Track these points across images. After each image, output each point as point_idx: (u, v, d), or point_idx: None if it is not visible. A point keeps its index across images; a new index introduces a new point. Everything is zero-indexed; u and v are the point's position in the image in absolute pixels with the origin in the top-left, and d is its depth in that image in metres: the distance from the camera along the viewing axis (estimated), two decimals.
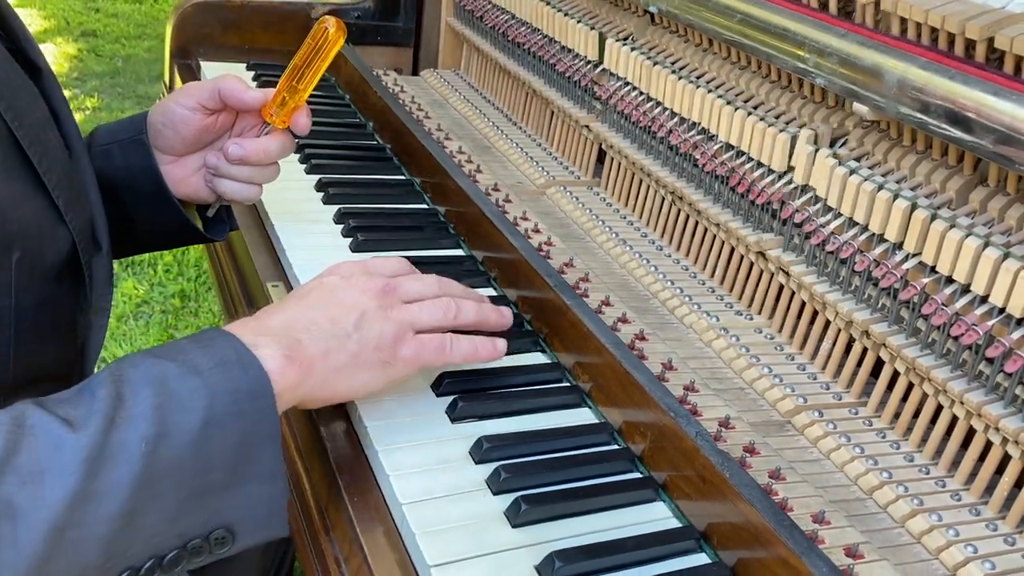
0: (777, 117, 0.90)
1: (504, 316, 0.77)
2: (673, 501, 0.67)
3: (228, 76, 0.85)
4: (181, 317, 2.42)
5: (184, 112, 0.85)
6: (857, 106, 0.75)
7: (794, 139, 0.85)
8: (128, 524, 0.51)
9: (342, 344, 0.64)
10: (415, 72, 1.69)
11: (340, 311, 0.66)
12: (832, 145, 0.84)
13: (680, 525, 0.65)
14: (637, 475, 0.69)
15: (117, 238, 0.80)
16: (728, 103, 0.93)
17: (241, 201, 0.89)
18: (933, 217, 0.71)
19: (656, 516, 0.66)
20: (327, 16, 0.83)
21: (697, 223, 1.00)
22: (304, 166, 1.14)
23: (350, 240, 0.97)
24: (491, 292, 0.92)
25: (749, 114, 0.91)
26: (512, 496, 0.64)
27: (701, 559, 0.62)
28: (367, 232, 0.98)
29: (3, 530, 0.46)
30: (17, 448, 0.48)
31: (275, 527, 0.59)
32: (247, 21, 1.50)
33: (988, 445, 0.69)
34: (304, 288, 0.69)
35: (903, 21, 0.73)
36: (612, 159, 1.15)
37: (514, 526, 0.62)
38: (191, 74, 1.45)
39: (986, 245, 0.67)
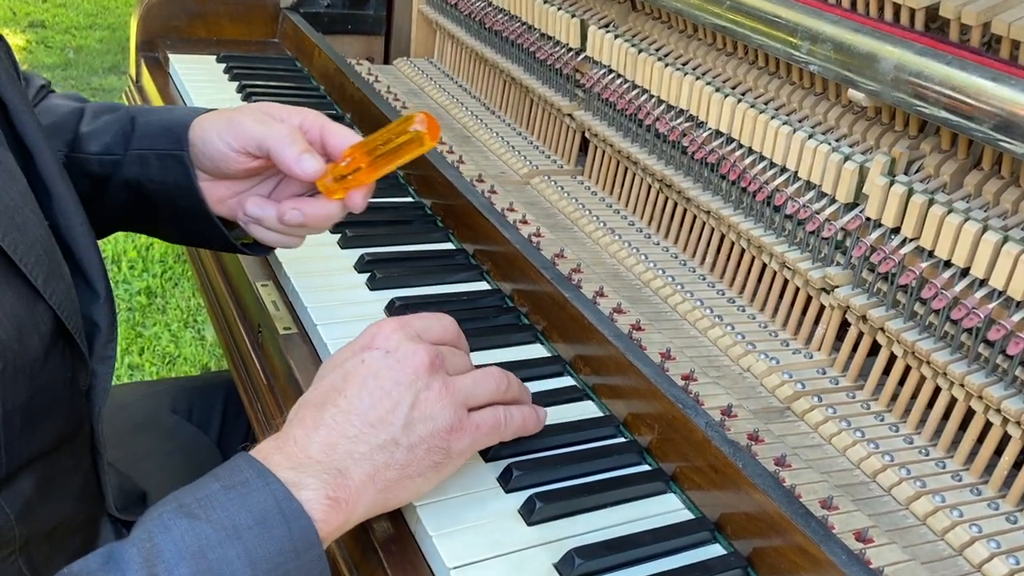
0: (767, 104, 0.90)
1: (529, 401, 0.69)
2: (684, 492, 0.67)
3: (281, 133, 0.73)
4: (148, 315, 2.37)
5: (227, 152, 0.75)
6: (853, 92, 0.76)
7: (790, 128, 0.86)
8: None
9: (391, 457, 0.56)
10: (387, 61, 1.66)
11: (386, 408, 0.57)
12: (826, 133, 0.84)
13: (693, 516, 0.65)
14: (646, 467, 0.69)
15: (150, 233, 0.78)
16: (717, 90, 0.93)
17: (280, 247, 0.81)
18: (931, 202, 0.72)
19: (668, 508, 0.66)
20: (422, 116, 0.70)
21: (686, 211, 1.00)
22: None
23: (339, 236, 0.95)
24: (485, 286, 0.91)
25: (739, 101, 0.91)
26: (525, 494, 0.63)
27: (716, 550, 0.63)
28: (354, 228, 0.96)
29: None
30: None
31: None
32: (214, 12, 1.46)
33: (987, 426, 0.71)
34: (342, 372, 0.59)
35: (896, 7, 0.74)
36: (596, 147, 1.14)
37: (529, 524, 0.62)
38: (159, 67, 1.41)
39: (985, 229, 0.68)
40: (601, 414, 0.74)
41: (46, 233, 0.63)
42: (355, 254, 0.92)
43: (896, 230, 0.75)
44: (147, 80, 1.39)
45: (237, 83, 1.33)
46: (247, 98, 1.28)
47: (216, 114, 0.78)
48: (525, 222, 1.05)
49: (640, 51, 1.04)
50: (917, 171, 0.76)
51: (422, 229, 1.00)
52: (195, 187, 0.77)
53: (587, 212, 1.08)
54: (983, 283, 0.69)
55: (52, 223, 0.65)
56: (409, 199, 1.08)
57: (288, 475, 0.53)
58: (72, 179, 0.70)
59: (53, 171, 0.67)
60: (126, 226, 0.86)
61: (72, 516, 0.67)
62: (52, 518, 0.64)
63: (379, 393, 0.57)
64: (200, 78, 1.34)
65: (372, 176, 0.73)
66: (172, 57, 1.39)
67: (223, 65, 1.39)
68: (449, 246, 0.98)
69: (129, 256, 2.57)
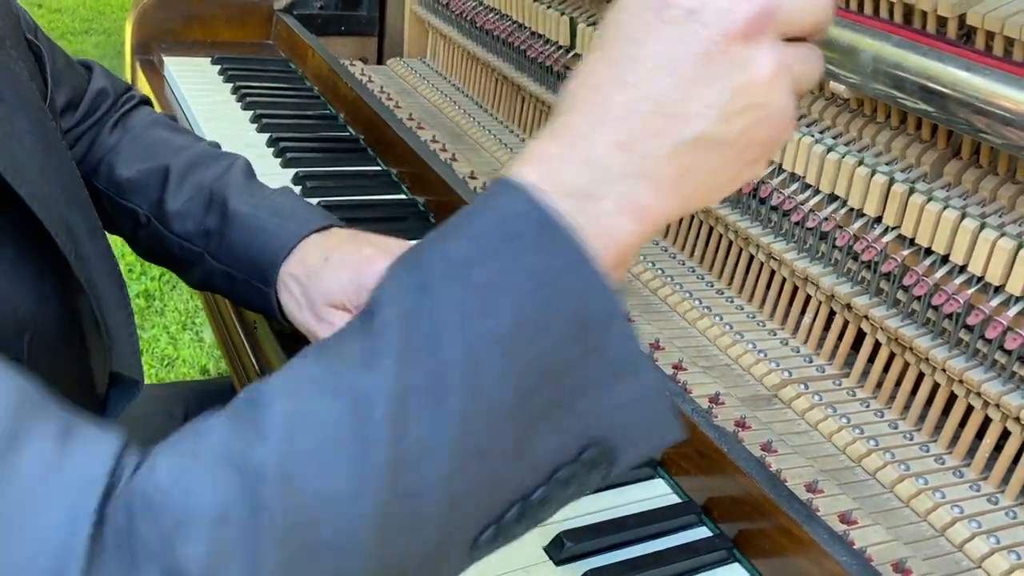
0: None
1: None
2: (672, 477, 0.68)
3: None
4: (147, 317, 2.38)
5: (324, 308, 0.71)
6: (834, 85, 0.77)
7: None
8: (469, 480, 0.37)
9: (699, 158, 0.40)
10: (380, 61, 1.68)
11: (693, 91, 0.39)
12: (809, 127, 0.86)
13: (680, 500, 0.67)
14: None
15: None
16: None
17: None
18: (911, 191, 0.73)
19: (656, 493, 0.67)
20: None
21: None
22: (279, 160, 1.13)
23: None
24: None
25: None
26: None
27: (703, 532, 0.64)
28: (349, 224, 0.97)
29: (322, 534, 0.35)
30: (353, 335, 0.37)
31: (663, 431, 0.40)
32: (210, 15, 1.48)
33: (969, 410, 0.72)
34: (633, 44, 0.40)
35: (876, 1, 0.75)
36: None
37: None
38: (154, 70, 1.43)
39: (963, 217, 0.70)
40: None
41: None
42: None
43: (878, 219, 0.77)
44: (142, 83, 1.41)
45: (232, 85, 1.34)
46: (241, 99, 1.30)
47: (310, 271, 0.72)
48: None
49: None
50: (898, 161, 0.78)
51: (415, 226, 1.02)
52: (273, 311, 0.74)
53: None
54: (962, 269, 0.70)
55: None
56: (402, 196, 1.09)
57: (579, 183, 0.39)
58: (146, 235, 0.70)
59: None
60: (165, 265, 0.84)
61: None
62: None
63: (681, 75, 0.40)
64: (195, 80, 1.35)
65: None
66: (167, 60, 1.40)
67: (218, 67, 1.40)
68: None
69: (127, 260, 2.59)
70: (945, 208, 0.71)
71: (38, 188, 0.57)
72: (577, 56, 1.14)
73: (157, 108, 1.28)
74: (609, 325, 0.38)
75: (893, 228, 0.75)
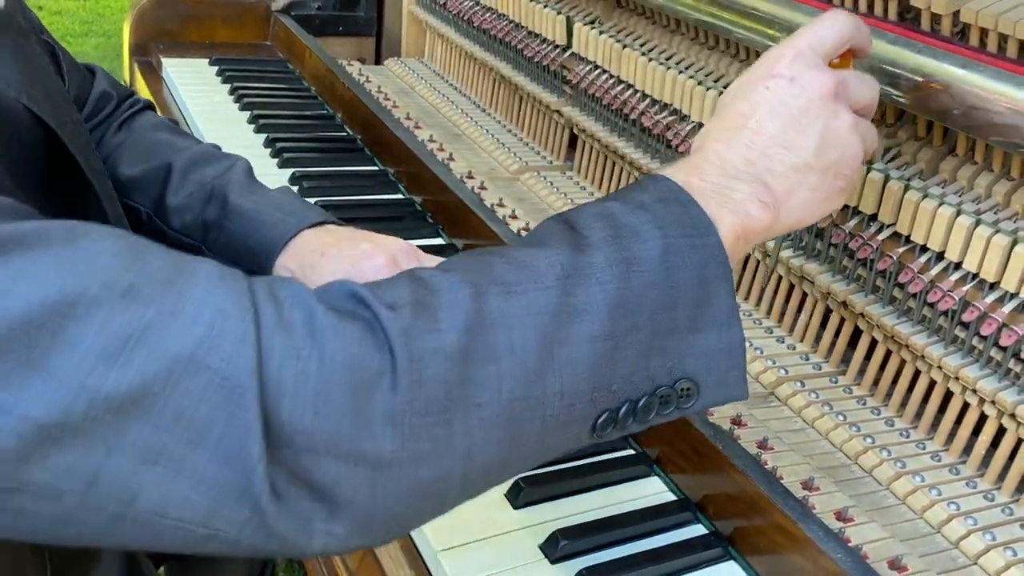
0: None
1: None
2: (667, 475, 0.68)
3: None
4: None
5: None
6: None
7: None
8: (610, 352, 0.47)
9: (804, 179, 0.56)
10: (378, 62, 1.68)
11: (797, 132, 0.56)
12: None
13: (675, 498, 0.67)
14: (630, 452, 0.71)
15: None
16: (699, 83, 0.95)
17: None
18: (906, 188, 0.73)
19: (652, 491, 0.67)
20: None
21: None
22: (276, 160, 1.13)
23: None
24: None
25: (720, 93, 0.92)
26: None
27: (698, 530, 0.64)
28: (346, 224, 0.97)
29: (497, 338, 0.45)
30: (491, 264, 0.47)
31: (734, 386, 0.52)
32: (207, 15, 1.48)
33: (965, 407, 0.72)
34: (748, 102, 0.58)
35: None
36: (584, 143, 1.16)
37: (515, 508, 0.63)
38: (152, 71, 1.43)
39: (958, 214, 0.70)
40: None
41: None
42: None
43: (874, 216, 0.77)
44: (140, 84, 1.41)
45: (229, 85, 1.34)
46: (239, 100, 1.30)
47: (301, 258, 0.74)
48: (515, 217, 1.06)
49: (624, 46, 1.05)
50: (894, 158, 0.78)
51: (413, 225, 1.02)
52: None
53: (575, 207, 1.09)
54: (957, 266, 0.70)
55: None
56: (399, 196, 1.09)
57: (717, 180, 0.54)
58: (146, 234, 0.71)
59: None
60: None
61: None
62: None
63: (788, 120, 0.57)
64: (193, 81, 1.36)
65: None
66: (165, 61, 1.40)
67: (215, 68, 1.40)
68: (439, 241, 1.00)
69: None
70: (940, 205, 0.71)
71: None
72: (574, 55, 1.14)
73: (158, 112, 1.29)
74: (720, 284, 0.50)
75: (889, 225, 0.75)
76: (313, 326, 0.41)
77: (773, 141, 0.56)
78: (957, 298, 0.69)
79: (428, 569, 0.60)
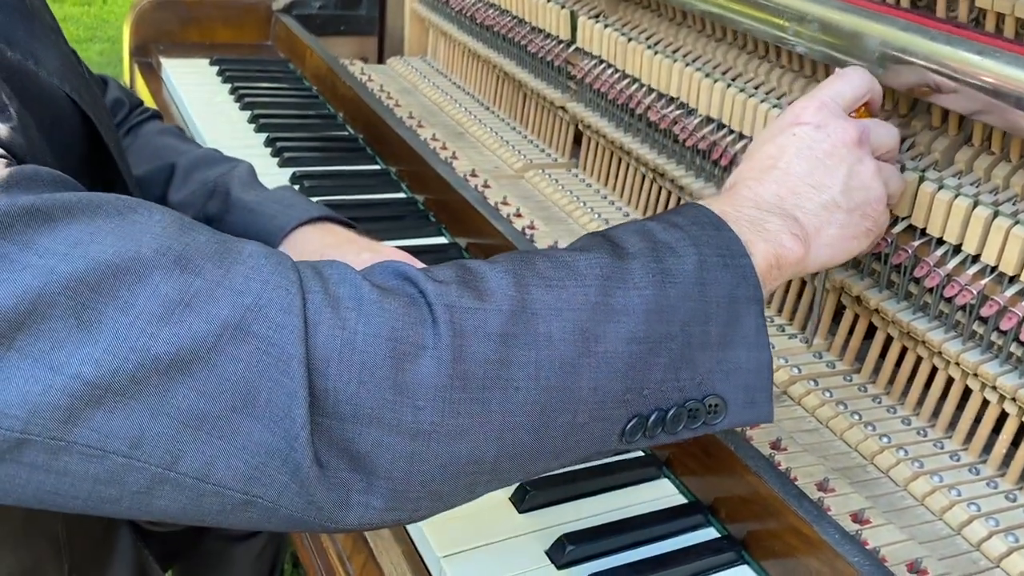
0: (757, 88, 0.90)
1: None
2: (678, 478, 0.66)
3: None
4: None
5: None
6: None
7: (780, 112, 0.85)
8: (644, 356, 0.49)
9: (832, 216, 0.60)
10: (381, 60, 1.66)
11: (824, 173, 0.60)
12: None
13: (686, 501, 0.65)
14: (639, 453, 0.69)
15: None
16: (707, 76, 0.93)
17: None
18: (921, 179, 0.71)
19: (662, 494, 0.65)
20: None
21: (680, 199, 1.00)
22: (277, 159, 1.11)
23: None
24: None
25: (728, 86, 0.90)
26: None
27: (710, 533, 0.62)
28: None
29: (538, 326, 0.46)
30: (533, 260, 0.49)
31: (760, 406, 0.54)
32: (207, 16, 1.47)
33: (984, 404, 0.70)
34: (775, 146, 0.62)
35: None
36: (590, 139, 1.14)
37: (521, 511, 0.61)
38: (152, 72, 1.42)
39: (976, 205, 0.68)
40: None
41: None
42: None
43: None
44: (140, 85, 1.40)
45: (230, 85, 1.33)
46: (239, 100, 1.29)
47: (300, 253, 0.74)
48: (519, 215, 1.04)
49: (630, 40, 1.03)
50: (909, 148, 0.76)
51: (415, 224, 1.00)
52: None
53: (582, 204, 1.07)
54: (975, 259, 0.68)
55: None
56: (402, 195, 1.08)
57: (750, 212, 0.57)
58: None
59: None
60: None
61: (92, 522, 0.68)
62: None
63: (814, 162, 0.60)
64: (193, 82, 1.34)
65: None
66: (164, 62, 1.39)
67: (216, 68, 1.39)
68: (442, 240, 0.98)
69: None
70: (957, 196, 0.69)
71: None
72: (578, 50, 1.12)
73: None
74: (750, 305, 0.53)
75: (904, 218, 0.73)
76: (359, 300, 0.43)
77: (802, 180, 0.59)
78: (975, 292, 0.67)
79: (431, 575, 0.58)
